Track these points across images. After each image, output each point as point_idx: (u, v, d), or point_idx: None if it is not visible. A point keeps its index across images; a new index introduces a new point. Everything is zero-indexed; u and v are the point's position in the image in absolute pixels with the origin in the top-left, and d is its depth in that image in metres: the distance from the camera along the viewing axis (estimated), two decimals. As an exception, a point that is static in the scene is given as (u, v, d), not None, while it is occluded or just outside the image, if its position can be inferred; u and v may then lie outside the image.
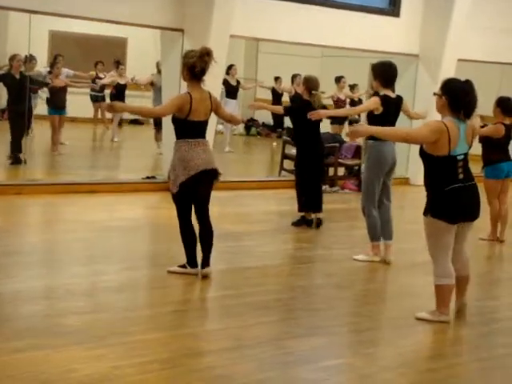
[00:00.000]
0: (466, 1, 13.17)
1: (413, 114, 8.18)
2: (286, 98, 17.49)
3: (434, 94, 5.72)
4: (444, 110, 5.65)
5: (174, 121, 6.52)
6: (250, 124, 20.71)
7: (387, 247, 7.65)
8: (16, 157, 11.88)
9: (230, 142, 16.32)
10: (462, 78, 5.74)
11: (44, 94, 14.16)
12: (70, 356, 4.61)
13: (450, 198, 5.56)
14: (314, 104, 8.78)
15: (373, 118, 7.48)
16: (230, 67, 15.71)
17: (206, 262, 6.62)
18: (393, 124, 7.54)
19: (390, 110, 7.50)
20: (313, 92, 8.95)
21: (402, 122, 7.93)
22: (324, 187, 12.20)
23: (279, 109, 10.49)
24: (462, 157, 5.61)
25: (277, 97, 17.77)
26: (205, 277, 6.57)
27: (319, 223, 9.16)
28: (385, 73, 7.56)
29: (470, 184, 5.65)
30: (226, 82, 15.38)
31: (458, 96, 5.57)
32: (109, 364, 4.52)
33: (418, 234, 5.97)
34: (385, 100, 7.45)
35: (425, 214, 5.68)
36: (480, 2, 13.51)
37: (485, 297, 6.84)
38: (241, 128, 20.46)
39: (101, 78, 16.37)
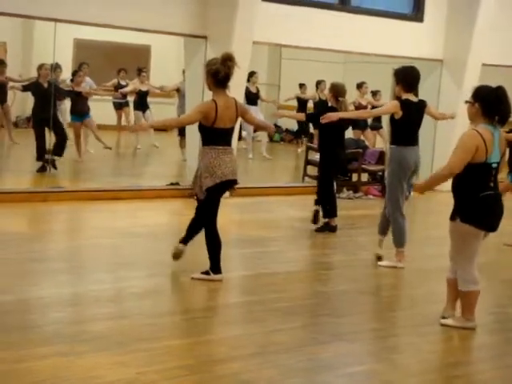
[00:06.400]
0: (491, 5, 13.10)
1: (438, 115, 8.20)
2: (311, 105, 17.47)
3: (466, 102, 5.62)
4: (477, 117, 5.55)
5: (201, 128, 6.55)
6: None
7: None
8: (43, 165, 11.96)
9: (253, 149, 16.29)
10: (486, 83, 5.70)
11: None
12: (95, 362, 4.63)
13: (484, 204, 5.50)
14: (340, 110, 8.70)
15: (394, 123, 7.48)
16: (251, 74, 15.65)
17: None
18: (415, 129, 7.52)
19: (412, 115, 7.46)
20: (339, 99, 8.92)
21: (426, 125, 7.93)
22: (348, 193, 12.25)
23: (301, 116, 10.54)
24: (495, 165, 5.55)
25: (302, 104, 17.75)
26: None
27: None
28: (407, 77, 7.54)
29: (498, 193, 5.61)
30: (246, 89, 15.34)
31: (491, 102, 5.49)
32: (133, 370, 4.53)
33: (443, 240, 5.93)
34: (405, 104, 7.41)
35: (452, 218, 5.61)
36: (505, 6, 13.43)
37: (509, 303, 6.78)
38: (264, 134, 20.41)
39: (123, 86, 16.41)
